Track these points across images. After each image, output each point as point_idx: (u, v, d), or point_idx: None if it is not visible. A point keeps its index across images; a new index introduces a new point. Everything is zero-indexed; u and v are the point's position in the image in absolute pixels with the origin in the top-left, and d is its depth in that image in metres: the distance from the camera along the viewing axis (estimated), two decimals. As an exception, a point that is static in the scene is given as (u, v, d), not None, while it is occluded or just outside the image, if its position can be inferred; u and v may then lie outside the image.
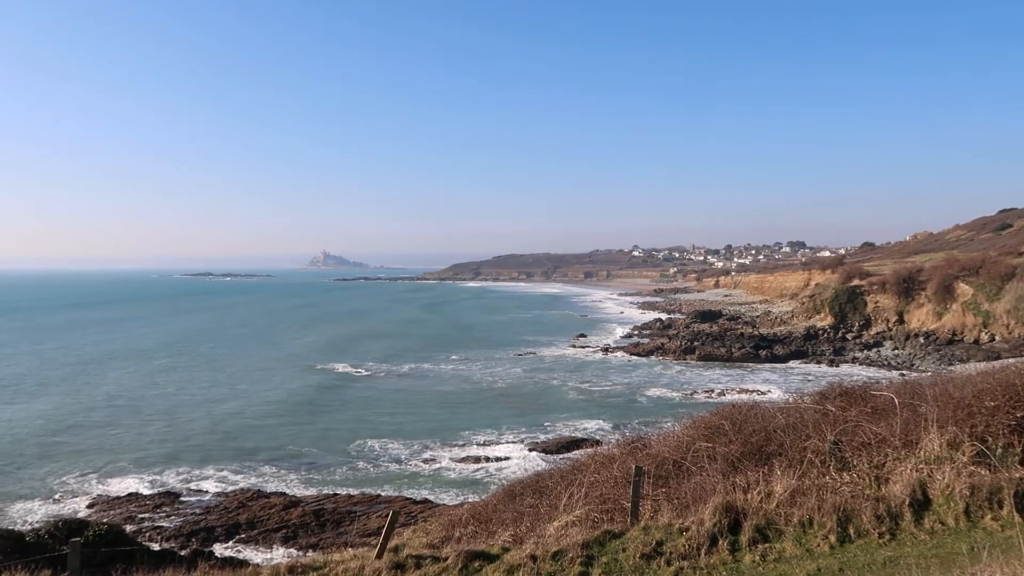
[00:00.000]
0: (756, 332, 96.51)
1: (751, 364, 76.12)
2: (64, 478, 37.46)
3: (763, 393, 56.72)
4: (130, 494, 34.90)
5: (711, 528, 8.80)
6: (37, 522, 27.76)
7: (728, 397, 55.26)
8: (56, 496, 34.80)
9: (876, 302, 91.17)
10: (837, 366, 73.80)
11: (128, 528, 26.27)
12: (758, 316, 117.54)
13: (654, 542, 8.77)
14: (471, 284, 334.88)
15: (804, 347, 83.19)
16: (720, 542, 8.66)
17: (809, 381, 60.36)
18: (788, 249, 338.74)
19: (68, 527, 17.03)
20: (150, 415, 52.42)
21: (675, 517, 9.37)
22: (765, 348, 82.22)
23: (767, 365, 75.57)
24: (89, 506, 33.53)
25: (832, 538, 8.51)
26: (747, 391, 58.88)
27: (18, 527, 20.34)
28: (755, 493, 9.54)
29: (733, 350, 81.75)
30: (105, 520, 27.61)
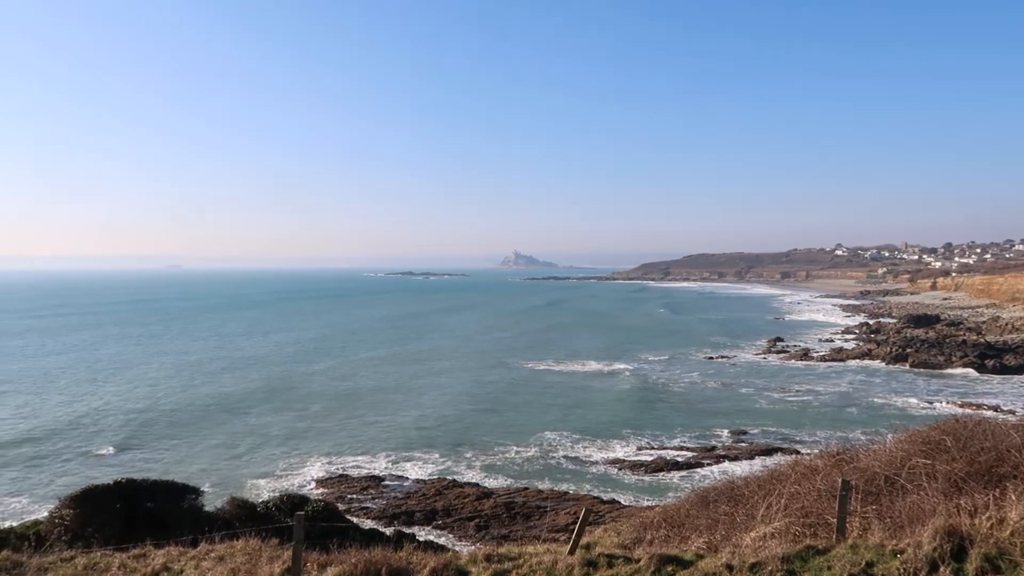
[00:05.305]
0: (981, 339, 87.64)
1: (975, 374, 68.93)
2: (292, 457, 41.58)
3: (991, 407, 51.11)
4: (341, 475, 38.02)
5: (930, 552, 8.03)
6: (266, 495, 30.91)
7: (947, 409, 50.36)
8: (280, 472, 38.68)
9: None
10: (1084, 380, 64.84)
11: (340, 507, 28.58)
12: (984, 321, 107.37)
13: (863, 562, 8.16)
14: (690, 284, 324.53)
15: (1042, 357, 73.91)
16: (941, 568, 7.88)
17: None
18: (1022, 247, 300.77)
19: (291, 501, 18.88)
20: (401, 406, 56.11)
21: (887, 537, 8.67)
22: (992, 357, 73.96)
23: (995, 376, 68.04)
24: (316, 480, 37.03)
25: (1081, 575, 7.50)
26: (971, 404, 53.33)
27: (251, 499, 22.77)
28: (984, 518, 8.59)
29: (953, 358, 74.40)
30: (320, 498, 30.25)
